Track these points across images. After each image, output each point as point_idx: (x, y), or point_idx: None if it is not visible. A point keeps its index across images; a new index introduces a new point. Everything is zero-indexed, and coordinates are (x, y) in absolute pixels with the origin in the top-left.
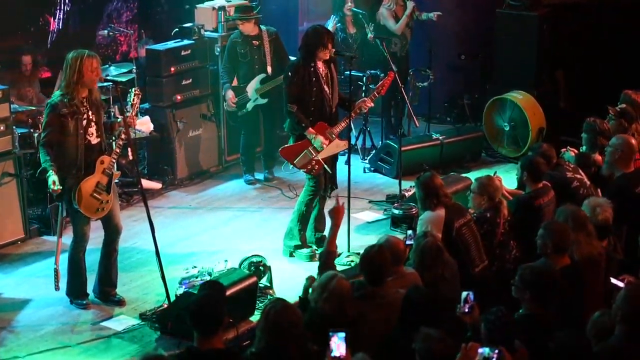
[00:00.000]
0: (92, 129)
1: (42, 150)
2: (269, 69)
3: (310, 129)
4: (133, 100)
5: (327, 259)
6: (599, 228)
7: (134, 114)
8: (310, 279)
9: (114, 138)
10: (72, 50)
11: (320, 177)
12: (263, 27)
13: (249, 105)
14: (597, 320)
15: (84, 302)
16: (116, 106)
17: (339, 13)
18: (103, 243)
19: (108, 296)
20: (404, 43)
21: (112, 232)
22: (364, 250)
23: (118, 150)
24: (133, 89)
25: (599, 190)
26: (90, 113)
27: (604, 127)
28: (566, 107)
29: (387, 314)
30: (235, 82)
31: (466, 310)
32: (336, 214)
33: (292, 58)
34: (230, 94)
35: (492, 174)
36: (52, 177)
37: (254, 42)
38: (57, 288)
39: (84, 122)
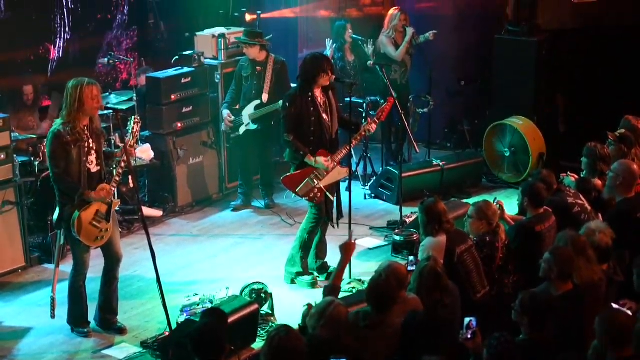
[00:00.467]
0: (92, 157)
1: (62, 180)
2: (265, 97)
3: (309, 155)
4: (133, 127)
5: (330, 293)
6: (600, 252)
7: (134, 141)
8: (309, 307)
9: (114, 166)
10: (72, 79)
11: (322, 205)
12: (273, 55)
13: (241, 130)
14: (597, 346)
15: (85, 330)
16: (117, 134)
17: (340, 40)
18: (103, 271)
19: (109, 324)
20: (403, 70)
21: (112, 260)
22: (370, 279)
23: (118, 179)
24: (133, 117)
25: (599, 215)
26: (90, 141)
27: (604, 152)
28: (566, 132)
29: (391, 341)
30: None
31: (469, 336)
32: (347, 249)
33: (292, 85)
34: (226, 112)
35: (492, 200)
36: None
37: (257, 67)
38: (52, 316)
39: (85, 150)
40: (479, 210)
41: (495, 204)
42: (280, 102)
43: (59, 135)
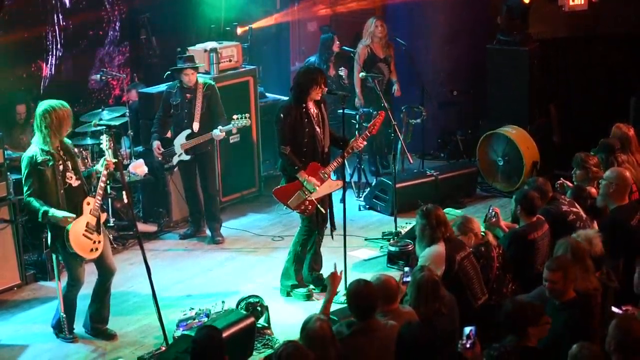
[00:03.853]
0: (70, 173)
1: (32, 201)
2: (196, 126)
3: (302, 171)
4: (107, 145)
5: None
6: (594, 260)
7: (111, 156)
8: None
9: (95, 181)
10: (44, 102)
11: (313, 217)
12: (200, 79)
13: (175, 160)
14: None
15: (71, 337)
16: (86, 151)
17: (327, 52)
18: (97, 283)
19: (99, 332)
20: (380, 79)
21: (106, 272)
22: (349, 285)
23: (101, 192)
24: (104, 134)
25: (595, 223)
26: (65, 159)
27: (595, 161)
28: (559, 140)
29: (381, 348)
30: (169, 134)
31: (468, 346)
32: (333, 280)
33: (283, 98)
34: (155, 144)
35: (488, 209)
36: (58, 213)
37: (187, 95)
38: (67, 334)
39: (61, 167)
40: (461, 226)
41: (490, 211)
42: (213, 131)
43: (31, 159)
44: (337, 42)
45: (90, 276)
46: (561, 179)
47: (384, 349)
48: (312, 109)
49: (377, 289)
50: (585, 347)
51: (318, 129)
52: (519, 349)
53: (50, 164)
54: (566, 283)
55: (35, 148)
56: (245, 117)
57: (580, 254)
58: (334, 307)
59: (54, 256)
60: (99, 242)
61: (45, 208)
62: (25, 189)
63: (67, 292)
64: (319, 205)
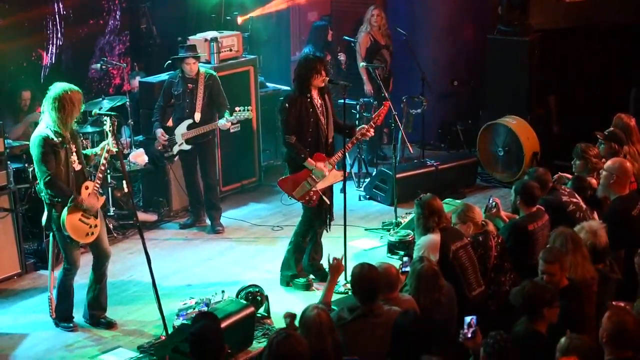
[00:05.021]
0: (74, 157)
1: (57, 181)
2: (197, 116)
3: (309, 159)
4: (110, 128)
5: None
6: (597, 252)
7: (112, 139)
8: (290, 318)
9: (93, 165)
10: (56, 85)
11: (316, 208)
12: (202, 69)
13: (175, 149)
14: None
15: (71, 325)
16: (86, 140)
17: (321, 42)
18: (92, 268)
19: (98, 320)
20: (383, 66)
21: (101, 257)
22: (353, 269)
23: (101, 175)
24: (106, 118)
25: (595, 213)
26: (70, 142)
27: (595, 151)
28: (559, 131)
29: (383, 334)
30: (170, 123)
31: (469, 335)
32: (334, 269)
33: (284, 87)
34: (159, 131)
35: (489, 199)
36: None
37: (189, 85)
38: (52, 315)
39: (69, 151)
40: (461, 214)
41: (491, 202)
42: (219, 120)
43: (46, 139)
44: (331, 32)
45: (87, 265)
46: (559, 173)
47: (386, 335)
48: (317, 99)
49: (378, 270)
50: (574, 339)
51: (322, 119)
52: (527, 333)
53: (64, 145)
54: (562, 273)
55: (46, 129)
56: (248, 110)
57: (579, 242)
58: (334, 297)
59: (50, 243)
60: (96, 226)
61: (74, 192)
62: (44, 169)
63: (64, 277)
64: (323, 196)
